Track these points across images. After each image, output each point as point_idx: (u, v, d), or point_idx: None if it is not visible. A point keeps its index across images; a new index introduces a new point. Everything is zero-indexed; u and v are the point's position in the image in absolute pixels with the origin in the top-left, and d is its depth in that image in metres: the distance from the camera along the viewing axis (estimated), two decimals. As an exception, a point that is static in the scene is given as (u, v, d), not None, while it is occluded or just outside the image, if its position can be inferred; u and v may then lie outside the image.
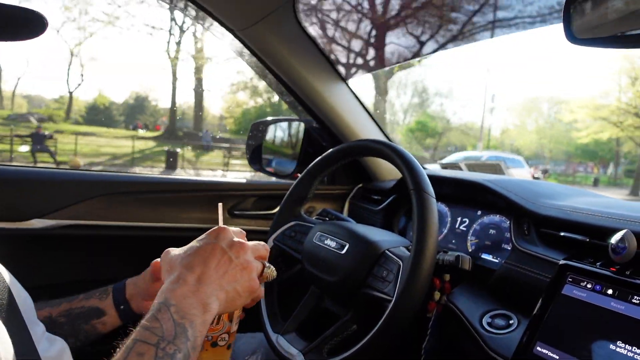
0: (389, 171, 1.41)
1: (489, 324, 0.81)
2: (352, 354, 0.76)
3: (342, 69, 1.30)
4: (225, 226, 0.66)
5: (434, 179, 1.07)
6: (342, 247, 0.89)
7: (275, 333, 0.94)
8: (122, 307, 0.87)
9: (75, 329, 0.86)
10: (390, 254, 0.83)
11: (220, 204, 0.76)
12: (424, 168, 1.41)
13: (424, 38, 1.08)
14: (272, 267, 0.69)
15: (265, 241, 1.08)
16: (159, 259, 1.02)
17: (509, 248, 0.91)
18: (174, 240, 1.36)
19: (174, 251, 0.65)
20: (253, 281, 0.64)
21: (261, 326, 0.99)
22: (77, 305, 0.88)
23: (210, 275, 0.60)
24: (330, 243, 0.92)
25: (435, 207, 0.79)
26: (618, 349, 0.60)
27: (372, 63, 1.28)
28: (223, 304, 0.61)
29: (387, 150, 0.90)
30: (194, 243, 0.64)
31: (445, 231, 1.09)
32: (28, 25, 0.58)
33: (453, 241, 1.06)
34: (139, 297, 0.88)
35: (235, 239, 0.64)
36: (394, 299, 0.74)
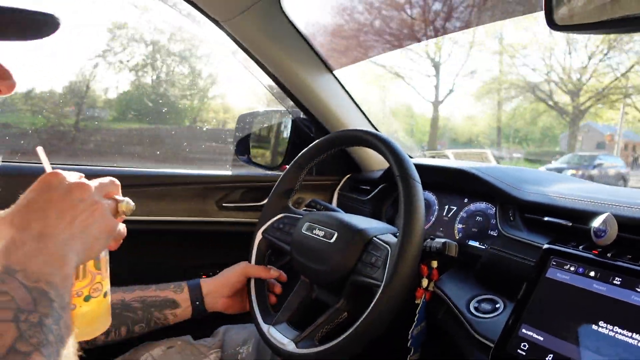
0: (377, 161, 1.42)
1: (476, 309, 0.82)
2: (344, 339, 0.77)
3: (328, 60, 1.30)
4: (56, 170, 0.55)
5: (421, 167, 1.07)
6: (331, 236, 0.90)
7: (267, 324, 0.95)
8: (197, 302, 1.00)
9: (147, 315, 0.96)
10: (378, 241, 0.84)
11: (39, 148, 0.60)
12: (411, 157, 1.42)
13: (410, 27, 1.08)
14: (126, 199, 0.60)
15: (253, 236, 1.09)
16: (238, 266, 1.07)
17: (495, 234, 0.93)
18: (163, 233, 1.36)
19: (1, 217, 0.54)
20: (108, 220, 0.56)
21: (252, 318, 0.99)
22: (150, 294, 0.98)
23: (54, 226, 0.51)
24: (319, 233, 0.92)
25: (421, 192, 0.80)
26: (600, 329, 0.62)
27: (359, 53, 1.28)
28: (81, 254, 0.53)
29: (372, 139, 0.90)
30: (22, 198, 0.53)
31: (433, 219, 1.10)
32: (40, 26, 0.53)
33: (441, 229, 1.07)
34: (215, 295, 1.02)
35: (73, 180, 0.55)
36: (382, 283, 0.75)
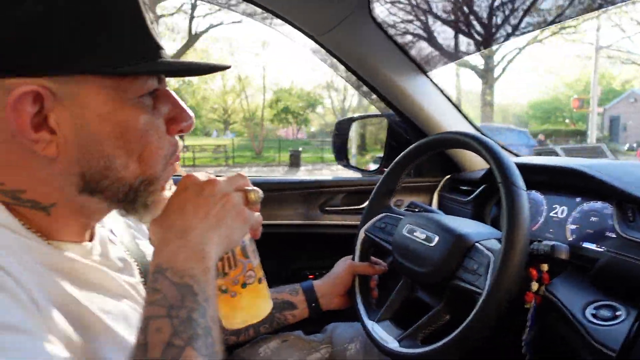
0: (478, 161, 1.38)
1: (594, 316, 0.77)
2: (445, 343, 0.78)
3: (422, 62, 1.30)
4: (188, 173, 0.62)
5: (526, 167, 1.04)
6: (432, 239, 0.91)
7: (371, 321, 0.99)
8: (313, 304, 1.07)
9: (270, 317, 1.04)
10: (481, 247, 0.83)
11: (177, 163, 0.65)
12: (517, 155, 1.37)
13: (509, 21, 1.04)
14: (254, 188, 0.64)
15: (356, 235, 1.14)
16: (346, 259, 1.15)
17: (613, 236, 0.86)
18: (271, 237, 1.47)
19: (153, 219, 0.61)
20: (240, 210, 0.60)
21: (357, 316, 1.04)
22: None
23: (191, 222, 0.56)
24: (420, 235, 0.94)
25: (526, 199, 0.78)
26: None
27: (453, 53, 1.27)
28: (220, 244, 0.57)
29: (472, 142, 0.90)
30: (166, 203, 0.60)
31: (542, 220, 1.05)
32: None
33: (550, 230, 1.02)
34: (329, 296, 1.09)
35: (203, 178, 0.61)
36: (484, 292, 0.75)
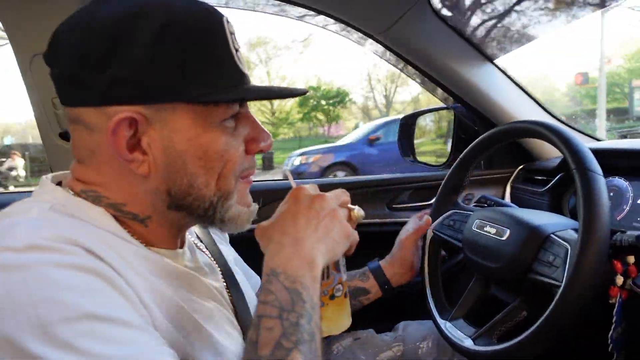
0: (552, 149, 1.30)
1: None
2: (521, 341, 0.75)
3: (487, 50, 1.26)
4: (300, 185, 0.65)
5: (607, 152, 0.97)
6: (503, 233, 0.88)
7: (443, 320, 0.98)
8: (385, 286, 1.07)
9: None
10: (556, 238, 0.79)
11: (287, 172, 0.72)
12: (598, 140, 1.27)
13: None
14: (356, 207, 0.67)
15: (424, 234, 1.13)
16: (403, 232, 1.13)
17: None
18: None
19: (263, 224, 0.64)
20: (345, 225, 0.63)
21: (429, 313, 1.03)
22: None
23: (304, 231, 0.59)
24: (490, 230, 0.91)
25: (603, 185, 0.73)
26: None
27: (518, 38, 1.21)
28: (326, 255, 0.60)
29: (541, 129, 0.86)
30: (279, 210, 0.63)
31: (627, 208, 0.97)
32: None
33: (638, 219, 0.94)
34: (399, 274, 1.08)
35: (314, 192, 0.63)
36: (562, 285, 0.72)
